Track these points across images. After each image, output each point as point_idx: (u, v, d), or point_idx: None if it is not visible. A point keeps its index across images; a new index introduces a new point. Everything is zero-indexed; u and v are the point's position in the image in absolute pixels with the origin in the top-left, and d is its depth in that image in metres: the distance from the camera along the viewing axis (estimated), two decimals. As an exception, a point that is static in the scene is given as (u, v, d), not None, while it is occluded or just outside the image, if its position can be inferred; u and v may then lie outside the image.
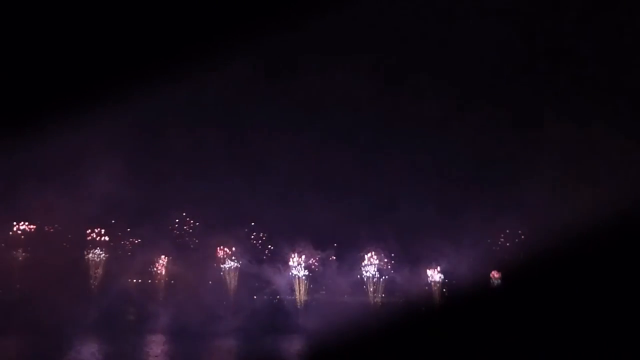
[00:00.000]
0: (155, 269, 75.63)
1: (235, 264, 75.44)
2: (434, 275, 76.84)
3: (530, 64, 70.91)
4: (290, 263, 76.54)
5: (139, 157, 69.79)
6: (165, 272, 75.60)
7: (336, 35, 62.36)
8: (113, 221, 74.24)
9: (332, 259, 75.86)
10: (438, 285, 76.63)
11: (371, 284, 76.93)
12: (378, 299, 75.81)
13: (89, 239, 73.72)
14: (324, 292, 76.09)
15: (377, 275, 77.01)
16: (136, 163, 68.81)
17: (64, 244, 71.92)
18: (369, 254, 76.98)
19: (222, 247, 75.67)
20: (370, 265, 76.84)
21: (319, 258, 76.20)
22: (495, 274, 74.34)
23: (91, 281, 72.70)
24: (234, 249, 75.70)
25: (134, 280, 74.98)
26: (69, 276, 67.82)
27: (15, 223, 71.67)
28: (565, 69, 68.92)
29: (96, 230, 73.75)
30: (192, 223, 76.44)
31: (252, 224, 76.66)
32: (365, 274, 77.01)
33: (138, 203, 69.67)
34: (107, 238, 74.00)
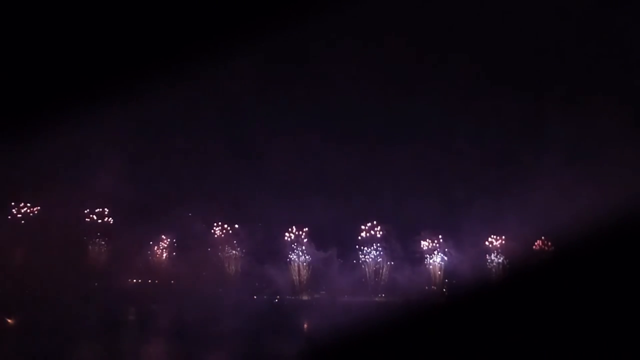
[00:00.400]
0: (157, 252, 75.22)
1: (236, 256, 75.16)
2: (435, 254, 75.87)
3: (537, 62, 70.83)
4: (287, 237, 75.62)
5: (142, 155, 69.74)
6: (166, 271, 75.42)
7: (341, 25, 62.08)
8: (115, 220, 74.05)
9: (334, 257, 75.56)
10: (439, 273, 75.59)
11: (371, 273, 75.46)
12: (379, 298, 75.49)
13: (90, 236, 73.46)
14: (323, 292, 75.83)
15: (379, 255, 75.80)
16: (139, 161, 68.80)
17: (65, 240, 71.28)
18: (368, 225, 75.91)
19: (224, 245, 75.58)
20: (370, 249, 75.67)
21: (320, 258, 76.00)
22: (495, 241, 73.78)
23: (92, 279, 72.37)
24: (236, 244, 75.45)
25: (134, 280, 74.81)
26: (69, 273, 67.47)
27: (14, 203, 70.01)
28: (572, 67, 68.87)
29: (98, 219, 73.25)
30: (194, 222, 76.26)
31: (260, 224, 76.46)
32: (363, 259, 75.98)
33: (140, 201, 69.65)
34: (108, 236, 73.68)
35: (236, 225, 75.41)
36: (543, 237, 72.74)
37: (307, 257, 75.64)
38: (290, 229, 76.04)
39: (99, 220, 73.24)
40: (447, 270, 75.88)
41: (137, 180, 67.38)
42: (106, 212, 73.22)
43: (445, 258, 75.60)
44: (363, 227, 76.04)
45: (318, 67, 69.89)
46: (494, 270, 74.38)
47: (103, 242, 73.19)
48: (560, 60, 70.12)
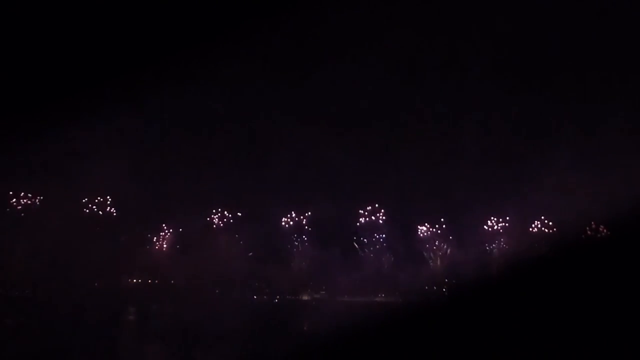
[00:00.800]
0: (157, 246, 74.63)
1: (237, 256, 74.66)
2: (436, 246, 75.34)
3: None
4: (285, 223, 74.21)
5: (143, 149, 69.52)
6: (166, 270, 75.16)
7: (343, 20, 61.97)
8: (117, 214, 73.38)
9: (335, 257, 75.04)
10: (439, 271, 74.90)
11: (372, 266, 74.59)
12: (379, 298, 75.05)
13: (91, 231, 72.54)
14: (324, 292, 75.52)
15: (380, 245, 74.66)
16: (140, 154, 68.55)
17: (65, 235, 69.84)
18: (368, 209, 74.60)
19: (225, 244, 75.11)
20: (371, 238, 74.67)
21: (321, 257, 75.55)
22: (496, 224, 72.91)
23: (92, 278, 71.83)
24: (237, 238, 74.91)
25: (134, 280, 74.67)
26: (69, 271, 67.01)
27: (11, 192, 67.36)
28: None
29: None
30: (194, 220, 75.86)
31: (261, 221, 75.79)
32: (362, 253, 74.77)
33: (140, 196, 69.49)
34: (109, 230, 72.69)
35: (239, 213, 74.77)
36: (543, 217, 72.90)
37: (307, 248, 74.92)
38: (289, 215, 75.26)
39: (100, 212, 72.08)
40: (448, 267, 75.32)
41: (138, 174, 67.27)
42: (109, 202, 71.98)
43: (448, 251, 75.19)
44: (362, 211, 75.40)
45: (319, 61, 69.72)
46: (495, 265, 74.05)
47: (104, 239, 72.25)
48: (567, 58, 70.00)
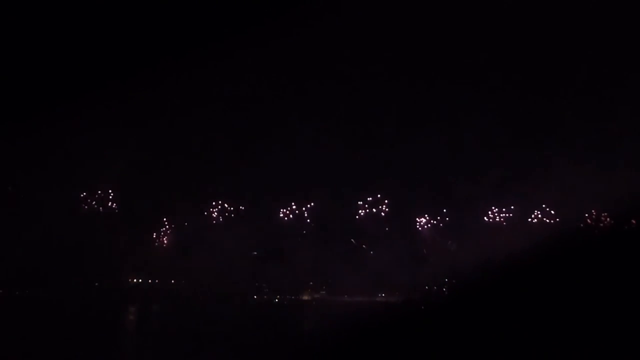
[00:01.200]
0: (158, 242, 74.52)
1: (237, 255, 74.41)
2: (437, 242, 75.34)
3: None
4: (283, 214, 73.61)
5: (143, 146, 69.27)
6: (166, 270, 75.09)
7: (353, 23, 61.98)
8: (116, 209, 73.14)
9: (335, 256, 74.76)
10: (440, 270, 74.41)
11: (371, 264, 74.19)
12: (379, 298, 74.87)
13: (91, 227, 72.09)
14: (324, 292, 75.41)
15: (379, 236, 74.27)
16: (140, 151, 68.29)
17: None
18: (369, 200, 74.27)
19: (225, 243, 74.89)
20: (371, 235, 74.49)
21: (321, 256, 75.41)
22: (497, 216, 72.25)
23: (92, 277, 71.71)
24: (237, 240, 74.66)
25: (135, 280, 74.64)
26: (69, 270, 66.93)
27: (10, 188, 66.63)
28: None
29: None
30: (194, 219, 75.67)
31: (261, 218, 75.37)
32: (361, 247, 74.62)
33: (143, 193, 69.40)
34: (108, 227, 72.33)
35: (242, 207, 74.26)
36: (544, 206, 72.69)
37: (308, 245, 74.56)
38: (290, 207, 74.84)
39: (100, 208, 71.64)
40: (449, 265, 74.93)
41: (138, 170, 67.18)
42: (111, 197, 71.32)
43: (453, 247, 74.91)
44: (361, 202, 74.93)
45: (320, 56, 69.64)
46: (495, 260, 73.57)
47: (104, 236, 71.86)
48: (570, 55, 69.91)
